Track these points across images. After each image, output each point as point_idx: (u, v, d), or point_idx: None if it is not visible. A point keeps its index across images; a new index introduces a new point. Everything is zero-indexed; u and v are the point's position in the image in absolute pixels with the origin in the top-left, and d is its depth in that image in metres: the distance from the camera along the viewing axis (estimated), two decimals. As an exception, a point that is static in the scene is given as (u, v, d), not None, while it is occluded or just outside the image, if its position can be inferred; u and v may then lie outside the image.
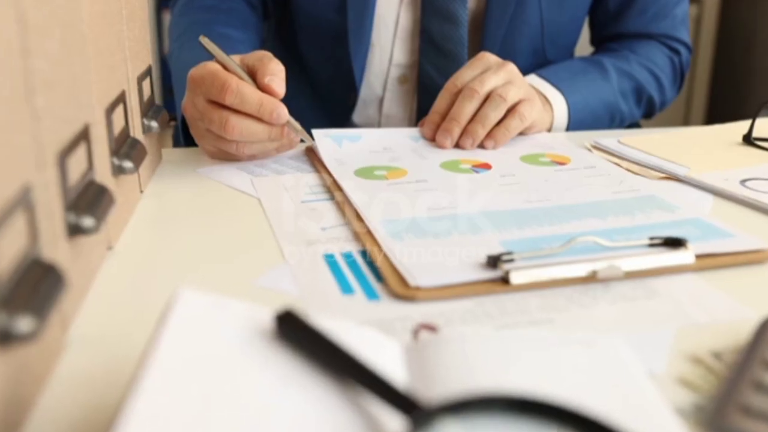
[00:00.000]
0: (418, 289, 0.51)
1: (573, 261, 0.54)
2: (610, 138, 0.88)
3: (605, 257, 0.55)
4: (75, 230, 0.47)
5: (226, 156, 0.79)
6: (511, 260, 0.54)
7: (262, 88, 0.74)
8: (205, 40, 0.75)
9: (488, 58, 0.87)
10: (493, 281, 0.52)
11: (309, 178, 0.76)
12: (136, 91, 0.70)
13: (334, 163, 0.78)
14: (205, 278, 0.55)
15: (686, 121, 2.45)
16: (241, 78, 0.74)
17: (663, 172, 0.77)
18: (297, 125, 0.77)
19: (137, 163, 0.62)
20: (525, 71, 0.96)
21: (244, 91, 0.72)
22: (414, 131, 0.88)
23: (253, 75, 0.75)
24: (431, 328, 0.44)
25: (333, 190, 0.72)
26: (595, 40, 1.15)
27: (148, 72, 0.76)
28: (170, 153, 0.86)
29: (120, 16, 0.65)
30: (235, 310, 0.39)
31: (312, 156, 0.82)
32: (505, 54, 0.95)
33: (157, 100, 0.80)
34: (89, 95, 0.53)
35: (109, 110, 0.59)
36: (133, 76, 0.69)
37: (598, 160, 0.81)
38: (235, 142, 0.76)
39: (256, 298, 0.52)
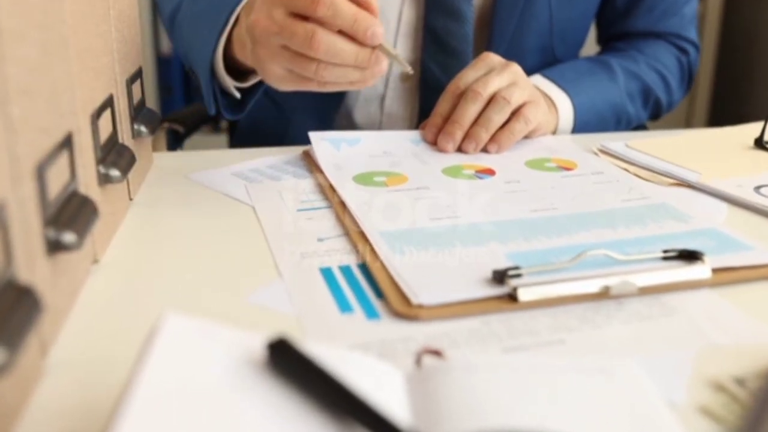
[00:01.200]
0: (420, 307, 0.48)
1: (584, 276, 0.51)
2: (617, 141, 0.85)
3: (618, 272, 0.52)
4: (55, 247, 0.44)
5: (296, 81, 0.70)
6: (518, 275, 0.51)
7: (357, 3, 0.66)
8: None
9: (492, 58, 0.84)
10: (499, 298, 0.50)
11: (306, 184, 0.73)
12: (125, 95, 0.67)
13: (332, 168, 0.75)
14: (195, 294, 0.52)
15: (689, 121, 2.42)
16: None
17: (673, 178, 0.74)
18: (391, 49, 0.68)
19: (125, 171, 0.59)
20: (533, 70, 0.93)
21: (338, 2, 0.64)
22: (415, 134, 0.85)
23: None
24: (436, 352, 0.41)
25: (330, 197, 0.69)
26: (601, 39, 1.12)
27: (138, 74, 0.73)
28: (162, 157, 0.83)
29: (107, 17, 0.62)
30: (224, 338, 0.36)
31: (309, 160, 0.79)
32: (513, 52, 0.92)
33: (151, 103, 0.77)
34: (72, 101, 0.51)
35: (95, 116, 0.56)
36: (121, 79, 0.66)
37: (606, 165, 0.78)
38: (316, 62, 0.67)
39: (249, 317, 0.49)
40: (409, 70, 0.71)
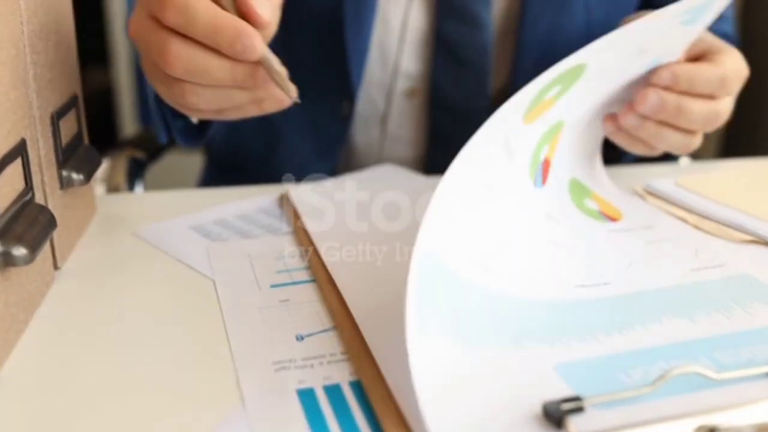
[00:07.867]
0: (443, 472, 0.33)
1: (673, 416, 0.36)
2: (663, 179, 0.70)
3: (715, 402, 0.37)
4: None
5: (182, 105, 0.53)
6: (579, 409, 0.36)
7: (240, 9, 0.48)
8: None
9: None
10: (556, 452, 0.35)
11: (283, 244, 0.58)
12: (50, 134, 0.52)
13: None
14: (121, 435, 0.37)
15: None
16: None
17: (744, 233, 0.59)
18: (275, 64, 0.49)
19: (36, 246, 0.44)
20: None
21: (193, 5, 0.47)
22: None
23: None
24: None
25: (315, 266, 0.53)
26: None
27: (72, 104, 0.57)
28: (109, 202, 0.67)
29: (17, 37, 0.46)
30: None
31: (288, 207, 0.64)
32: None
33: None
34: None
35: (-12, 177, 0.41)
36: (43, 115, 0.51)
37: (659, 216, 0.62)
38: (181, 83, 0.50)
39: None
40: (294, 96, 0.50)
